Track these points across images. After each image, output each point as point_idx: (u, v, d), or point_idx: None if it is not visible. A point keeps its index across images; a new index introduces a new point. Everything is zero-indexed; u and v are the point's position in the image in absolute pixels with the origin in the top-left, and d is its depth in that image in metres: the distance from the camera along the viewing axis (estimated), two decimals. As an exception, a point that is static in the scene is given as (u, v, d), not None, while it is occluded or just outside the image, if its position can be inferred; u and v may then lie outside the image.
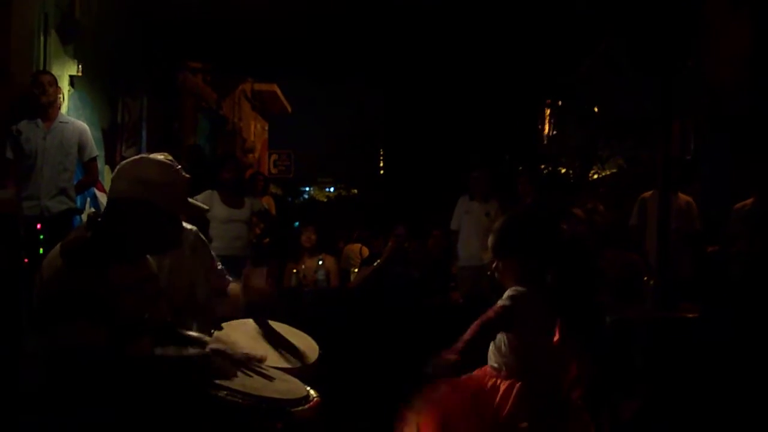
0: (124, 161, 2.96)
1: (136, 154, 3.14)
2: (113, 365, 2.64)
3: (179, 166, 2.99)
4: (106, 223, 2.82)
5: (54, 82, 6.37)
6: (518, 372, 3.05)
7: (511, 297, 3.06)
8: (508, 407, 3.00)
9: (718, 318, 5.46)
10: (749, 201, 6.74)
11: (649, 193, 7.62)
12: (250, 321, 3.79)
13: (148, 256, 3.00)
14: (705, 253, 7.25)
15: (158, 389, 2.71)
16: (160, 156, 3.02)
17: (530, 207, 3.25)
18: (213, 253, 4.02)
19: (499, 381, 3.07)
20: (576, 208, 6.63)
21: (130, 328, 2.73)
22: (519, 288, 3.09)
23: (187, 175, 2.99)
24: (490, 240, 3.22)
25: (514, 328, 3.06)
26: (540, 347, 3.06)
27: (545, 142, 17.03)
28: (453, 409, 2.98)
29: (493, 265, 3.21)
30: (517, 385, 3.03)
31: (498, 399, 3.02)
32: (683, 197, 7.51)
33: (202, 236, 3.81)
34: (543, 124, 17.04)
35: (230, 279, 4.01)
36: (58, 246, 2.75)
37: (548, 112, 16.64)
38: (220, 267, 3.99)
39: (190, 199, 2.99)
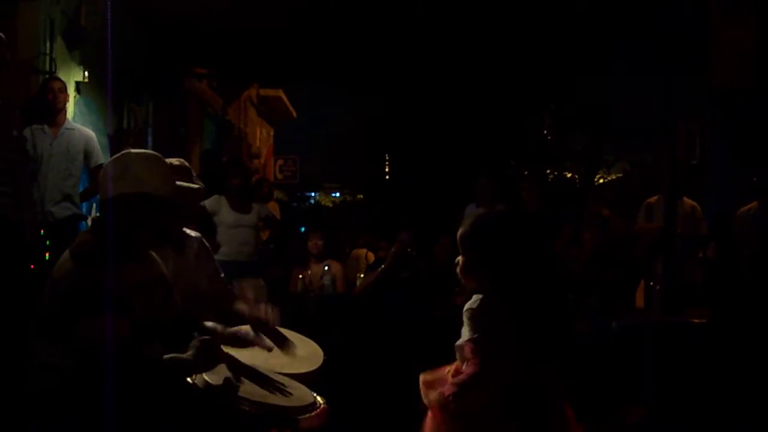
0: (107, 162, 2.98)
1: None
2: (130, 365, 2.65)
3: (192, 174, 3.00)
4: (107, 224, 2.84)
5: (64, 88, 6.40)
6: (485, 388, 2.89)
7: (474, 337, 2.85)
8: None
9: (725, 323, 5.44)
10: (753, 205, 6.72)
11: (654, 198, 7.61)
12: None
13: (156, 258, 3.01)
14: (711, 257, 7.25)
15: (167, 395, 2.72)
16: (175, 161, 3.04)
17: (512, 212, 3.03)
18: (217, 258, 4.03)
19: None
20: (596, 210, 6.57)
21: (143, 328, 2.74)
22: (480, 301, 2.89)
23: (202, 185, 3.00)
24: (460, 231, 2.98)
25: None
26: (499, 358, 2.89)
27: (550, 144, 17.03)
28: None
29: (457, 259, 3.00)
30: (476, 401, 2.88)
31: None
32: (688, 202, 7.50)
33: (206, 243, 3.83)
34: (547, 129, 17.03)
35: (230, 288, 4.01)
36: (67, 251, 2.77)
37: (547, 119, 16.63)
38: (222, 276, 4.00)
39: (179, 182, 3.00)
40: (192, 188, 3.08)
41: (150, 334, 2.78)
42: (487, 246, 2.92)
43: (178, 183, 2.99)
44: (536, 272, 2.97)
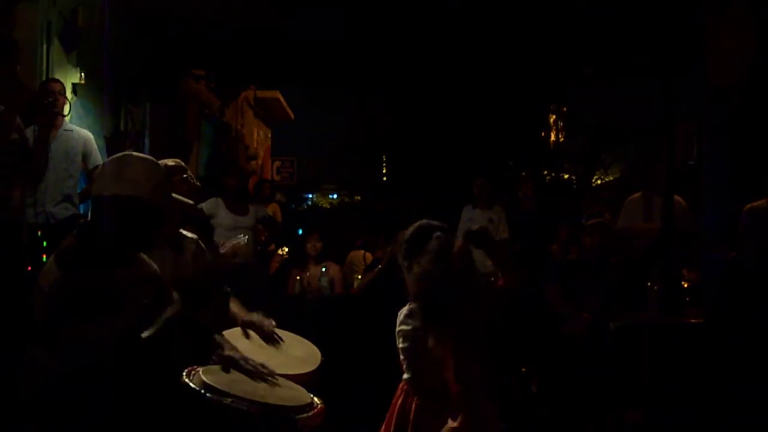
0: (108, 159, 2.97)
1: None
2: (121, 362, 2.64)
3: (187, 171, 3.00)
4: (93, 223, 2.83)
5: (63, 90, 6.39)
6: (415, 389, 3.11)
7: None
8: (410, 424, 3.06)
9: (724, 323, 5.43)
10: (762, 202, 6.64)
11: (637, 195, 7.58)
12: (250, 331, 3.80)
13: (146, 259, 3.00)
14: (709, 257, 7.21)
15: (163, 395, 2.71)
16: (170, 161, 3.03)
17: (430, 222, 3.19)
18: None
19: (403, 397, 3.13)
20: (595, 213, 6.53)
21: (135, 328, 2.73)
22: (411, 308, 3.19)
23: (198, 184, 3.00)
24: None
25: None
26: (433, 365, 3.04)
27: (552, 147, 17.04)
28: None
29: (405, 265, 3.23)
30: (414, 402, 3.08)
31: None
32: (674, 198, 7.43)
33: (202, 245, 3.82)
34: (547, 130, 17.04)
35: (228, 289, 4.01)
36: (52, 256, 2.76)
37: (553, 118, 16.63)
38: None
39: (174, 195, 2.99)
40: (188, 203, 3.07)
41: (141, 332, 2.77)
42: (406, 253, 3.24)
43: (174, 195, 2.97)
44: (453, 277, 3.07)
